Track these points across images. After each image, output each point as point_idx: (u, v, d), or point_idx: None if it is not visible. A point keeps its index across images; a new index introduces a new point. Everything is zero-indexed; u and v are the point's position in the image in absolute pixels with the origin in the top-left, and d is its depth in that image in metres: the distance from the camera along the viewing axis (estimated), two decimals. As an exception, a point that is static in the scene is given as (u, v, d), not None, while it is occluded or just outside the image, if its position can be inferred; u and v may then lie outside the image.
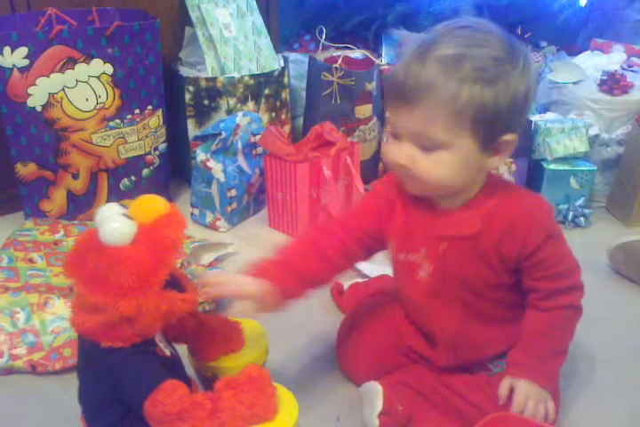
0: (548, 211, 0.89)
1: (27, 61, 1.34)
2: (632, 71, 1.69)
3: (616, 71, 1.61)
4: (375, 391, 0.91)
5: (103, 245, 0.68)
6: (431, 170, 0.81)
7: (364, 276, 1.27)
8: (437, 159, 0.80)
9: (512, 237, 0.85)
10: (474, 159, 0.81)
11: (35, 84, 1.37)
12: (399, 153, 0.82)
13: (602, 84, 1.60)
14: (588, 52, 1.83)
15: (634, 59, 1.80)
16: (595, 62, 1.74)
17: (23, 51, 1.33)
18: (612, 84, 1.58)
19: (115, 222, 0.68)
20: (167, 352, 0.79)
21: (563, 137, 1.54)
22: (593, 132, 1.57)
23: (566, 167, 1.53)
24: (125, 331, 0.72)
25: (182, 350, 0.89)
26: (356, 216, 0.98)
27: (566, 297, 0.89)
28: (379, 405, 0.90)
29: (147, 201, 0.72)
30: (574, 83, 1.65)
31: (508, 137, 0.81)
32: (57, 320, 1.07)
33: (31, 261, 1.22)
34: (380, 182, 0.99)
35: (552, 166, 1.53)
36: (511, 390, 0.89)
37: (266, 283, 0.89)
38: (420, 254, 0.91)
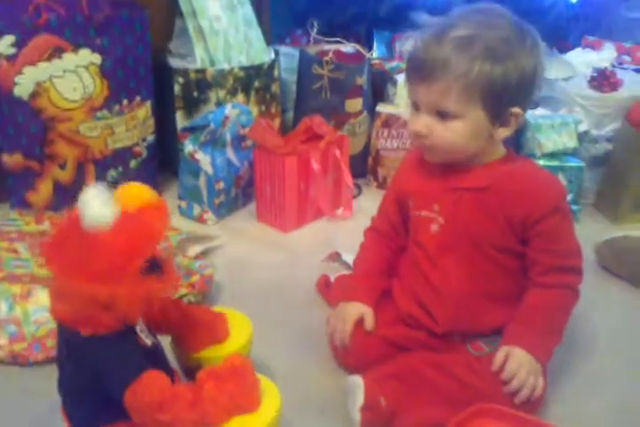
0: (561, 189, 0.99)
1: (13, 50, 1.33)
2: (622, 69, 1.69)
3: (606, 68, 1.62)
4: (357, 386, 0.92)
5: (83, 230, 0.67)
6: (446, 137, 0.92)
7: (350, 268, 1.26)
8: (451, 128, 0.91)
9: (521, 202, 0.93)
10: (484, 129, 0.91)
11: (21, 73, 1.36)
12: (419, 123, 0.93)
13: (592, 80, 1.60)
14: (579, 49, 1.83)
15: (624, 57, 1.81)
16: (585, 59, 1.74)
17: (10, 39, 1.32)
18: (602, 80, 1.58)
19: (96, 207, 0.67)
20: (148, 342, 0.78)
21: (552, 133, 1.54)
22: (582, 128, 1.57)
23: (555, 163, 1.53)
24: (104, 318, 0.70)
25: (166, 340, 0.89)
26: (386, 201, 1.11)
27: (565, 276, 0.96)
28: (360, 399, 0.90)
29: (132, 188, 0.71)
30: (565, 79, 1.65)
31: (515, 110, 0.91)
32: (40, 310, 1.06)
33: (15, 251, 1.21)
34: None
35: (541, 162, 1.53)
36: (505, 360, 0.91)
37: (363, 308, 1.03)
38: (433, 210, 0.99)
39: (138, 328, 0.77)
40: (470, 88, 0.87)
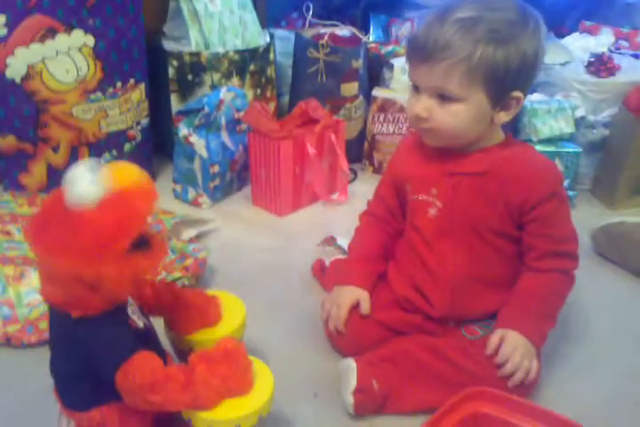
0: (558, 174, 0.98)
1: (4, 30, 1.31)
2: (619, 54, 1.68)
3: (603, 53, 1.61)
4: (349, 368, 0.92)
5: (67, 209, 0.66)
6: (446, 120, 0.90)
7: (345, 252, 1.26)
8: (452, 111, 0.89)
9: (518, 187, 0.92)
10: (485, 112, 0.90)
11: (13, 55, 1.34)
12: (419, 105, 0.91)
13: (589, 65, 1.59)
14: (576, 33, 1.82)
15: (621, 42, 1.79)
16: (583, 44, 1.73)
17: (1, 19, 1.30)
18: (600, 65, 1.57)
19: (83, 184, 0.66)
20: (140, 324, 0.77)
21: (549, 118, 1.53)
22: (579, 113, 1.56)
23: (552, 149, 1.53)
24: (92, 299, 0.70)
25: (159, 322, 0.88)
26: (384, 183, 1.10)
27: (560, 261, 0.96)
28: (353, 382, 0.91)
29: (120, 168, 0.70)
30: (562, 64, 1.64)
31: (516, 94, 0.90)
32: (33, 293, 1.05)
33: (8, 233, 1.20)
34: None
35: (537, 147, 1.52)
36: (500, 343, 0.92)
37: (359, 292, 1.03)
38: (431, 194, 0.98)
39: (129, 310, 0.76)
40: (473, 71, 0.86)
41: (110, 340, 0.72)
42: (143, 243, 0.70)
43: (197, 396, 0.72)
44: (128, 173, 0.69)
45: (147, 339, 0.78)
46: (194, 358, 0.74)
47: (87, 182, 0.65)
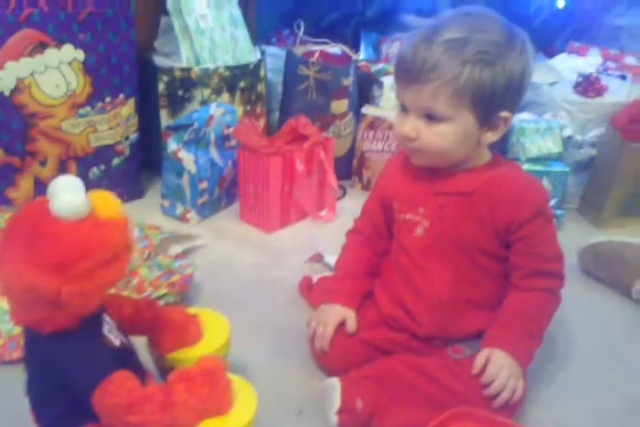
0: (543, 193, 0.98)
1: (-5, 44, 1.31)
2: (607, 75, 1.69)
3: (591, 74, 1.62)
4: (333, 388, 0.91)
5: (43, 219, 0.65)
6: (434, 141, 0.91)
7: (332, 270, 1.25)
8: (440, 131, 0.90)
9: (505, 206, 0.93)
10: (472, 133, 0.91)
11: (3, 68, 1.34)
12: (406, 125, 0.92)
13: (577, 85, 1.60)
14: (565, 54, 1.84)
15: (609, 63, 1.81)
16: (571, 64, 1.75)
17: (-10, 33, 1.30)
18: (587, 86, 1.58)
19: (74, 195, 0.65)
20: (117, 342, 0.76)
21: (537, 137, 1.54)
22: (567, 133, 1.57)
23: (540, 168, 1.53)
24: (58, 317, 0.69)
25: (142, 340, 0.88)
26: (372, 201, 1.10)
27: (546, 280, 0.96)
28: (337, 401, 0.90)
29: (103, 195, 0.70)
30: (550, 84, 1.66)
31: (504, 114, 0.91)
32: (16, 309, 1.04)
33: (-8, 248, 1.19)
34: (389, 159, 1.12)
35: (525, 166, 1.53)
36: (486, 362, 0.91)
37: (345, 311, 1.02)
38: (418, 213, 0.98)
39: (105, 328, 0.75)
40: (460, 92, 0.87)
41: (86, 359, 0.71)
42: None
43: (176, 416, 0.70)
44: (109, 202, 0.69)
45: (124, 358, 0.76)
46: (172, 377, 0.73)
47: (77, 195, 0.65)
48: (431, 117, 0.90)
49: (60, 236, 0.65)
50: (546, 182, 1.54)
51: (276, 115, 1.81)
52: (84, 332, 0.72)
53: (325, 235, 1.50)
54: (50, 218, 0.66)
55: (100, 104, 1.47)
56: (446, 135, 0.90)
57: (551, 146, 1.54)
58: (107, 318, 0.77)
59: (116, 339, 0.76)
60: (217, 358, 0.76)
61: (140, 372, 0.76)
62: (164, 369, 0.87)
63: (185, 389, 0.71)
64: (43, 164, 1.46)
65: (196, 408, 0.71)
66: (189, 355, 0.85)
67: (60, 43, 1.37)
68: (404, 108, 0.93)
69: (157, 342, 0.86)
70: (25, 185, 1.47)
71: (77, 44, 1.39)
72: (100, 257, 0.66)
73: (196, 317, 0.89)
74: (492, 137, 0.93)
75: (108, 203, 0.69)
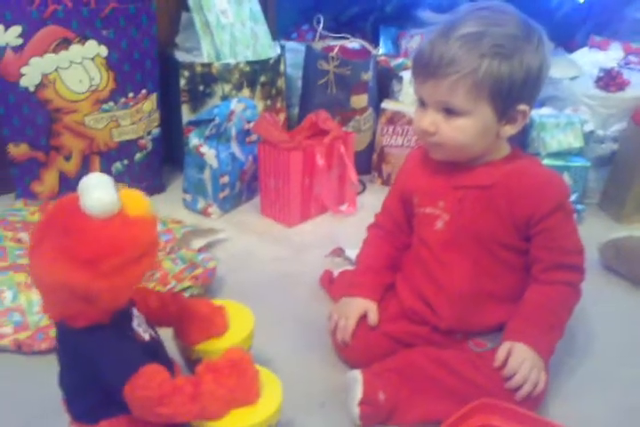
0: (564, 187, 0.99)
1: (20, 40, 1.33)
2: (629, 69, 1.68)
3: (613, 68, 1.61)
4: (355, 380, 0.92)
5: (76, 215, 0.67)
6: (453, 135, 0.91)
7: (353, 263, 1.26)
8: (459, 125, 0.90)
9: (525, 199, 0.93)
10: (491, 126, 0.91)
11: (28, 64, 1.36)
12: (425, 120, 0.92)
13: (598, 80, 1.59)
14: (586, 48, 1.83)
15: (631, 57, 1.80)
16: (592, 59, 1.74)
17: (17, 29, 1.32)
18: (609, 80, 1.57)
19: (107, 193, 0.66)
20: (146, 336, 0.78)
21: (557, 132, 1.53)
22: (588, 128, 1.56)
23: (560, 163, 1.53)
24: (89, 311, 0.70)
25: (168, 332, 0.89)
26: (391, 197, 1.11)
27: (567, 274, 0.96)
28: (359, 393, 0.91)
29: (137, 195, 0.71)
30: (571, 78, 1.65)
31: (522, 107, 0.91)
32: (43, 300, 1.06)
33: (19, 241, 1.22)
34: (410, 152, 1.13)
35: (546, 161, 1.53)
36: (508, 355, 0.91)
37: (366, 303, 1.03)
38: (438, 207, 0.99)
39: (135, 323, 0.77)
40: (478, 85, 0.87)
41: (117, 353, 0.72)
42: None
43: (205, 407, 0.72)
44: (140, 201, 0.70)
45: (153, 351, 0.78)
46: (200, 369, 0.74)
47: (107, 191, 0.66)
48: (450, 112, 0.90)
49: (90, 233, 0.66)
50: (567, 177, 1.53)
51: (296, 110, 1.82)
52: (114, 326, 0.73)
53: (345, 229, 1.51)
54: (80, 215, 0.67)
55: (122, 99, 1.49)
56: (465, 129, 0.91)
57: (572, 141, 1.53)
58: (135, 312, 0.78)
59: (145, 333, 0.78)
60: (243, 350, 0.77)
61: (168, 364, 0.78)
62: (191, 361, 0.88)
63: (213, 380, 0.72)
64: (67, 158, 1.48)
65: (224, 398, 0.73)
66: (215, 346, 0.86)
67: (83, 39, 1.39)
68: (422, 103, 0.94)
69: (184, 333, 0.87)
70: (50, 179, 1.49)
71: (101, 40, 1.41)
72: (129, 254, 0.67)
73: (222, 308, 0.90)
74: (510, 130, 0.94)
75: (138, 202, 0.70)
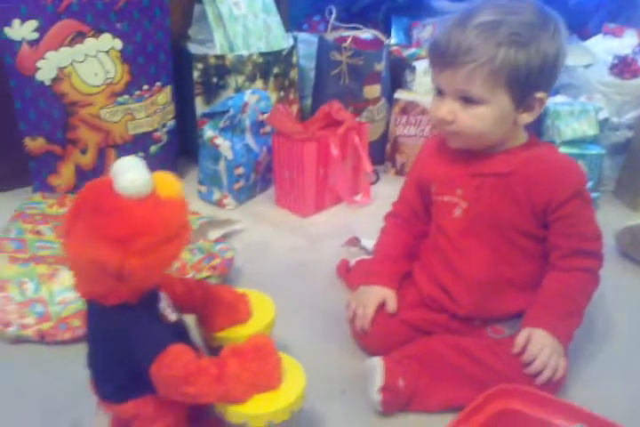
0: (582, 174, 0.98)
1: (36, 35, 1.34)
2: (643, 55, 1.68)
3: (627, 55, 1.60)
4: (376, 367, 0.93)
5: (109, 196, 0.68)
6: (471, 123, 0.92)
7: (369, 253, 1.27)
8: (476, 113, 0.91)
9: (543, 186, 0.93)
10: (508, 114, 0.92)
11: (43, 58, 1.37)
12: (443, 109, 0.93)
13: (612, 67, 1.59)
14: (600, 36, 1.82)
15: (645, 43, 1.79)
16: (606, 46, 1.73)
17: (32, 24, 1.33)
18: (623, 67, 1.57)
19: (140, 173, 0.67)
20: (173, 318, 0.79)
21: (572, 120, 1.53)
22: (602, 115, 1.56)
23: (575, 150, 1.52)
24: (121, 290, 0.71)
25: (191, 320, 0.90)
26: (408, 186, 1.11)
27: (585, 260, 0.96)
28: (379, 380, 0.91)
29: (169, 177, 0.72)
30: (585, 66, 1.65)
31: (539, 95, 0.91)
32: (65, 291, 1.08)
33: (39, 233, 1.23)
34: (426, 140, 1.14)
35: (561, 149, 1.52)
36: (527, 342, 0.92)
37: (384, 291, 1.04)
38: (456, 195, 1.00)
39: (162, 304, 0.78)
40: (496, 74, 0.87)
41: (146, 333, 0.73)
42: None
43: (229, 389, 0.73)
44: (171, 183, 0.71)
45: (179, 333, 0.79)
46: (226, 352, 0.75)
47: (139, 173, 0.67)
48: (467, 100, 0.91)
49: (122, 212, 0.67)
50: (581, 165, 1.53)
51: (309, 101, 1.82)
52: (143, 306, 0.74)
53: (360, 219, 1.51)
54: (113, 196, 0.68)
55: (137, 92, 1.49)
56: (483, 117, 0.91)
57: (586, 128, 1.53)
58: (162, 294, 0.79)
59: (172, 314, 0.79)
60: (267, 336, 0.78)
61: (192, 347, 0.79)
62: (212, 348, 0.89)
63: (237, 363, 0.73)
64: (83, 152, 1.50)
65: (247, 382, 0.74)
66: (238, 333, 0.87)
67: (98, 32, 1.40)
68: (439, 92, 0.94)
69: (208, 320, 0.88)
70: (66, 172, 1.50)
71: (115, 33, 1.42)
72: (160, 234, 0.68)
73: (245, 295, 0.91)
74: (527, 118, 0.94)
75: (169, 183, 0.71)
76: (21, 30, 1.32)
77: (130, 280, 0.69)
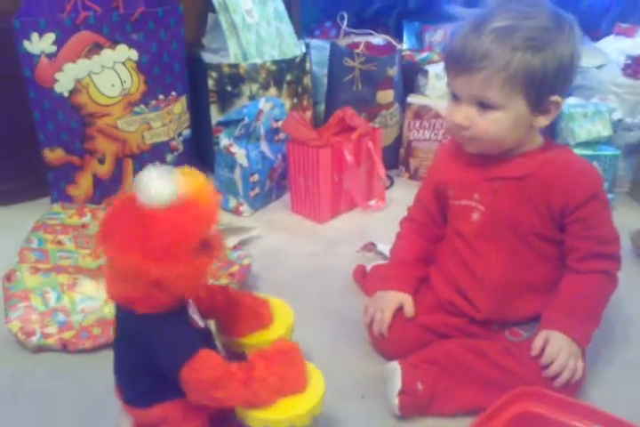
0: (598, 176, 0.99)
1: (54, 47, 1.36)
2: (656, 55, 1.67)
3: (640, 55, 1.60)
4: (394, 371, 0.94)
5: (138, 209, 0.69)
6: (487, 128, 0.92)
7: (385, 258, 1.27)
8: (493, 118, 0.91)
9: (560, 189, 0.94)
10: (524, 118, 0.92)
11: (61, 70, 1.39)
12: (459, 114, 0.93)
13: (625, 68, 1.59)
14: (612, 36, 1.82)
15: (658, 43, 1.78)
16: (618, 46, 1.73)
17: (51, 37, 1.35)
18: (636, 67, 1.57)
19: (158, 185, 0.69)
20: (201, 324, 0.80)
21: (585, 122, 1.53)
22: (616, 116, 1.56)
23: (589, 152, 1.52)
24: (160, 297, 0.72)
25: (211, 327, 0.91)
26: (425, 192, 1.12)
27: (602, 262, 0.97)
28: (397, 384, 0.92)
29: (189, 174, 0.73)
30: (597, 67, 1.64)
31: (555, 98, 0.92)
32: (86, 300, 1.09)
33: (60, 243, 1.25)
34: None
35: (575, 151, 1.51)
36: (545, 344, 0.92)
37: (401, 296, 1.04)
38: (473, 199, 1.00)
39: (190, 310, 0.79)
40: (512, 79, 0.88)
41: (176, 337, 0.75)
42: (207, 245, 0.73)
43: (256, 392, 0.74)
44: (196, 180, 0.73)
45: (206, 338, 0.81)
46: (252, 356, 0.76)
47: (161, 184, 0.69)
48: (484, 105, 0.91)
49: (158, 222, 0.69)
50: (596, 166, 1.53)
51: (322, 107, 1.83)
52: (174, 312, 0.76)
53: (375, 224, 1.52)
54: (141, 208, 0.70)
55: (153, 102, 1.52)
56: (500, 122, 0.91)
57: (600, 129, 1.53)
58: (190, 301, 0.80)
59: (199, 320, 0.80)
60: (291, 341, 0.79)
61: (218, 352, 0.80)
62: (233, 354, 0.90)
63: (265, 367, 0.74)
64: (101, 161, 1.52)
65: (274, 386, 0.74)
66: (260, 339, 0.88)
67: (114, 43, 1.42)
68: (455, 97, 0.95)
69: (230, 325, 0.89)
70: (85, 182, 1.53)
71: (131, 44, 1.44)
72: (190, 243, 0.70)
73: (267, 301, 0.92)
74: (544, 121, 0.94)
75: (194, 181, 0.72)
76: (40, 44, 1.35)
77: (171, 289, 0.71)
